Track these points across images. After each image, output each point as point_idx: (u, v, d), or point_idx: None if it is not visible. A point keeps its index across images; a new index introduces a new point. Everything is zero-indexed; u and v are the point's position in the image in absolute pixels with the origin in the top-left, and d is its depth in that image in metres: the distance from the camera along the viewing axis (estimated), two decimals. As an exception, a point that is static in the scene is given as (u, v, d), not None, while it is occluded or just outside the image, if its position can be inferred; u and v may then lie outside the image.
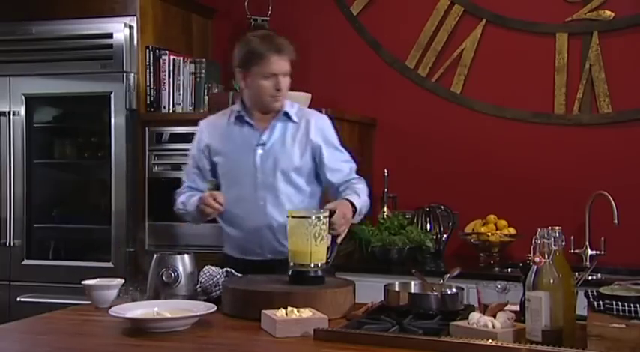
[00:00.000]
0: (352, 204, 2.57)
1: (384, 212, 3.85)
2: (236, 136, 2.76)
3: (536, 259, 1.84)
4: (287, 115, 2.75)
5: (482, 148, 3.93)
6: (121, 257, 3.72)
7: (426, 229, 3.79)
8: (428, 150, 4.02)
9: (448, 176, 3.96)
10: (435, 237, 3.75)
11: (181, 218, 2.88)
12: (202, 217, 2.70)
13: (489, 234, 3.71)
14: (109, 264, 3.70)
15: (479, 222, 3.79)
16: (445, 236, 3.80)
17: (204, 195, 2.64)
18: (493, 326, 1.88)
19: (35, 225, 3.93)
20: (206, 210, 2.61)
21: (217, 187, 2.75)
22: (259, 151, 2.72)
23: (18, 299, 3.79)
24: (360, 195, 2.65)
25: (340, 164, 2.77)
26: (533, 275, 1.84)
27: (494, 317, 1.93)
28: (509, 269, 3.47)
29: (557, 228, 1.89)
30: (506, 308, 2.00)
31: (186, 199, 2.79)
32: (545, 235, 1.86)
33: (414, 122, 4.07)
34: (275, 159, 2.71)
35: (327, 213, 2.38)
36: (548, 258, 1.84)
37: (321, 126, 2.77)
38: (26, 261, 3.87)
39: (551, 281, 1.82)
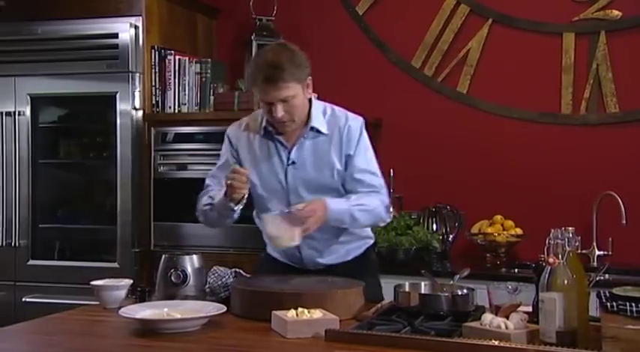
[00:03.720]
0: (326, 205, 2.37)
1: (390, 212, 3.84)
2: (264, 151, 2.53)
3: (550, 260, 1.83)
4: (315, 129, 2.50)
5: (488, 148, 3.92)
6: (127, 257, 3.71)
7: (433, 229, 3.78)
8: (434, 150, 4.01)
9: (454, 176, 3.95)
10: (441, 237, 3.74)
11: (206, 219, 2.58)
12: (229, 203, 2.37)
13: (496, 234, 3.70)
14: (115, 265, 3.69)
15: (485, 223, 3.78)
16: (451, 236, 3.79)
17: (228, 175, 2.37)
18: (506, 328, 1.87)
19: (40, 225, 3.92)
20: (234, 185, 2.32)
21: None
22: (291, 171, 2.49)
23: (23, 299, 3.78)
24: (348, 200, 2.45)
25: (362, 174, 2.52)
26: (546, 276, 1.83)
27: (507, 318, 1.92)
28: (516, 270, 3.46)
29: (570, 228, 1.89)
30: (518, 309, 1.99)
31: (213, 194, 2.51)
32: (559, 236, 1.85)
33: (419, 122, 4.05)
34: (306, 180, 2.49)
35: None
36: (562, 258, 1.83)
37: (349, 135, 2.51)
38: (31, 262, 3.86)
39: (565, 281, 1.81)
